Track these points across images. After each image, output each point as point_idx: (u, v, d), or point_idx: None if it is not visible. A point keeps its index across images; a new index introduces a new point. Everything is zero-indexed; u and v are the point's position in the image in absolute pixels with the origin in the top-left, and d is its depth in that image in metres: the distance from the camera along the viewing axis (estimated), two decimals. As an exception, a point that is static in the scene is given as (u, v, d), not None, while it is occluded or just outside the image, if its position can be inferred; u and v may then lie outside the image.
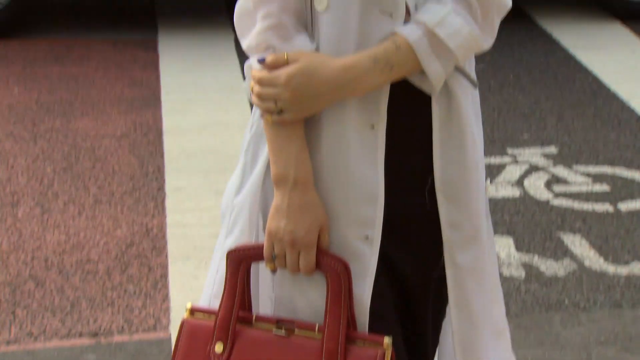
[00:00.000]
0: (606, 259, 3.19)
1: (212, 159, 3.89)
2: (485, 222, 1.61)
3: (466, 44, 1.46)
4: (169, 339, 2.76)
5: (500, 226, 3.38)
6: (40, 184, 3.70)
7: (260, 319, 1.53)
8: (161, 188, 3.66)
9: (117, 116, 4.28)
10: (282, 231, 1.47)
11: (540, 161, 3.89)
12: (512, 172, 3.81)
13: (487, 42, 1.50)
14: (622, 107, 4.37)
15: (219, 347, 1.52)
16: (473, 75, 1.55)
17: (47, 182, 3.71)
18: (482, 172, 1.60)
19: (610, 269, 3.13)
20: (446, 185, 1.54)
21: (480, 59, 1.77)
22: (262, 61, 1.47)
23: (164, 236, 3.32)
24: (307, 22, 1.50)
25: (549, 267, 3.14)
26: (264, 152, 1.55)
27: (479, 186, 1.58)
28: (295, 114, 1.46)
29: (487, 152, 3.94)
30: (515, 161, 3.91)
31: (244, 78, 1.57)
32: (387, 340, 1.47)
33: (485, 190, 1.61)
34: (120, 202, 3.55)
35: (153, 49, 5.04)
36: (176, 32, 5.25)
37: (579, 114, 4.33)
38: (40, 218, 3.45)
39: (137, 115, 4.29)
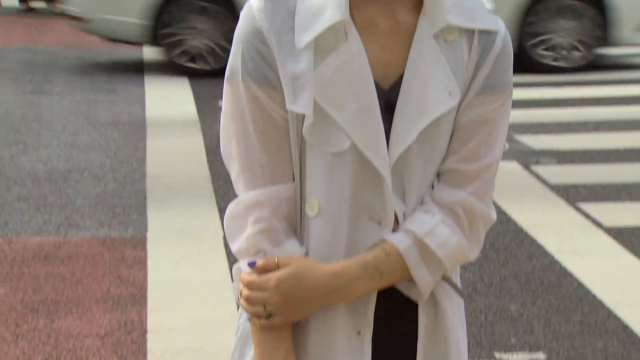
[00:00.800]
0: None
1: (197, 357, 3.82)
2: None
3: (454, 254, 1.49)
4: None
5: None
6: (19, 384, 3.61)
7: None
8: (143, 389, 3.57)
9: (102, 315, 4.24)
10: None
11: (529, 367, 3.85)
12: (501, 378, 3.76)
13: (473, 252, 1.53)
14: (609, 315, 4.37)
15: None
16: (459, 283, 1.57)
17: (26, 382, 3.62)
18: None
19: None
20: (429, 394, 1.52)
21: (466, 265, 1.79)
22: (252, 265, 1.48)
23: None
24: (296, 226, 1.52)
25: None
26: (249, 356, 1.53)
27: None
28: (284, 319, 1.46)
29: (475, 355, 3.89)
30: (504, 367, 3.86)
31: (232, 277, 1.57)
32: None
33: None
34: (100, 404, 3.46)
35: (142, 246, 5.07)
36: (165, 229, 5.30)
37: (565, 320, 4.32)
38: (15, 420, 3.35)
39: (122, 313, 4.26)
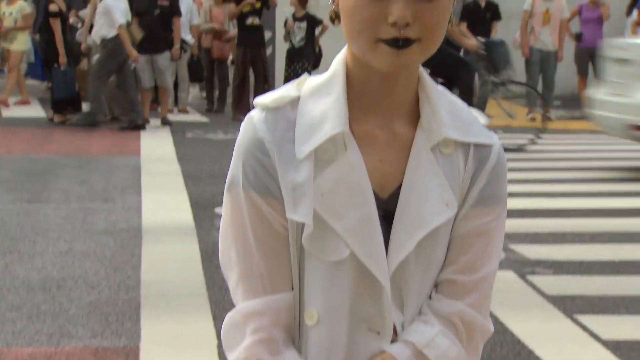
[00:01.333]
0: None
1: None
2: None
3: (454, 365, 1.49)
4: None
5: None
6: None
7: None
8: None
9: None
10: None
11: None
12: None
13: (471, 365, 1.53)
14: None
15: None
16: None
17: None
18: None
19: None
20: None
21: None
22: (250, 376, 1.47)
23: None
24: (294, 335, 1.52)
25: None
26: None
27: None
28: None
29: None
30: None
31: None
32: None
33: None
34: None
35: (134, 355, 5.00)
36: (159, 338, 5.24)
37: None
38: None
39: None
